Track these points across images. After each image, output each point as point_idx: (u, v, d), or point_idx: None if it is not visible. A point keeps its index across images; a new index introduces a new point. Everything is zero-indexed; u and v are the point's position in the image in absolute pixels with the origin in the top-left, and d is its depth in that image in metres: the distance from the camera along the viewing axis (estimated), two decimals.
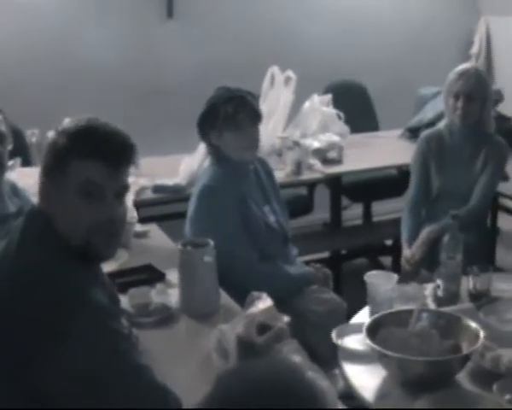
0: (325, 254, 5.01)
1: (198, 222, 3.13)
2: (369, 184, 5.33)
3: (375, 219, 5.78)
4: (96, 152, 1.76)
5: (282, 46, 5.93)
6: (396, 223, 4.07)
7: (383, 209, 5.74)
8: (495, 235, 5.21)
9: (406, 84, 6.33)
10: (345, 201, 5.47)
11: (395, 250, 4.51)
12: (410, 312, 2.38)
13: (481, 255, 3.71)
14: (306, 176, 4.46)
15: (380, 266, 5.31)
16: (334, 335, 2.52)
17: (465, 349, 2.25)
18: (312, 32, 6.18)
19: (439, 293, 2.74)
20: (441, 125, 3.98)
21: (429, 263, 3.53)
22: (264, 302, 2.08)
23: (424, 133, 4.02)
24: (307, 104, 4.98)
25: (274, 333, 1.98)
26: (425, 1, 6.88)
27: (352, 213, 5.91)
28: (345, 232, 5.26)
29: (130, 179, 1.88)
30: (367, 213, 5.78)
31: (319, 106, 4.97)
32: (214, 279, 2.65)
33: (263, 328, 1.99)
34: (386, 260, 5.28)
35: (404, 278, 3.09)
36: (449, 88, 3.85)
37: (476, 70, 3.95)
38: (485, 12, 7.24)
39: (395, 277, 2.67)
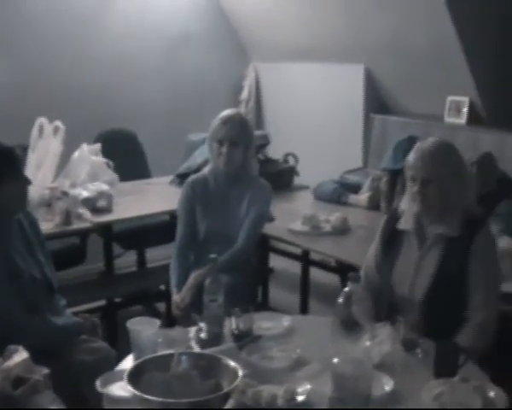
0: (102, 303, 4.99)
1: None
2: (141, 231, 5.36)
3: (151, 265, 5.81)
4: None
5: (50, 96, 5.88)
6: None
7: (158, 255, 5.77)
8: (267, 275, 5.39)
9: (177, 131, 6.46)
10: (119, 248, 5.48)
11: (170, 295, 4.56)
12: (171, 355, 2.41)
13: (248, 296, 3.84)
14: (76, 226, 4.42)
15: (156, 312, 5.35)
16: (98, 383, 2.50)
17: (226, 388, 2.30)
18: (82, 81, 6.16)
19: (203, 335, 2.79)
20: (206, 170, 4.07)
21: (200, 306, 3.59)
22: (19, 355, 2.05)
23: (189, 179, 4.10)
24: (77, 154, 4.95)
25: (30, 385, 1.95)
26: (194, 48, 7.02)
27: (128, 260, 5.92)
28: (119, 280, 5.24)
29: None
30: (141, 260, 5.81)
31: (88, 155, 4.95)
32: None
33: (19, 381, 1.96)
34: (162, 305, 5.32)
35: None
36: (213, 134, 3.94)
37: (240, 116, 4.08)
38: (254, 58, 7.52)
39: (157, 322, 2.70)
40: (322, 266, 5.53)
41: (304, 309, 5.12)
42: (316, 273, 5.56)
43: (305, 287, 5.29)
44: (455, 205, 2.99)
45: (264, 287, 5.26)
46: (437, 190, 2.95)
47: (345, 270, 3.26)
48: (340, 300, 2.49)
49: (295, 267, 5.53)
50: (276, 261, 6.06)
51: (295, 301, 5.29)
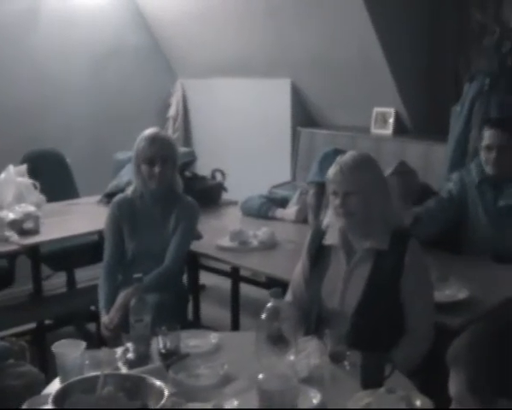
0: (32, 326, 4.93)
1: None
2: (70, 252, 5.32)
3: (80, 285, 5.77)
4: None
5: None
6: None
7: (88, 275, 5.73)
8: (197, 293, 5.39)
9: (105, 150, 6.44)
10: (48, 270, 5.43)
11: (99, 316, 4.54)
12: (97, 377, 2.40)
13: (177, 314, 3.83)
14: (3, 248, 4.37)
15: (87, 333, 5.32)
16: (25, 407, 2.48)
17: (152, 407, 2.30)
18: (5, 102, 6.10)
19: (130, 355, 2.79)
20: (129, 191, 4.07)
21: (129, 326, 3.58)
22: None
23: (115, 198, 4.10)
24: (3, 176, 4.90)
25: None
26: (121, 65, 7.01)
27: (57, 281, 5.87)
28: (48, 302, 5.19)
29: None
30: (70, 281, 5.77)
31: (15, 177, 4.91)
32: None
33: None
34: (94, 326, 5.27)
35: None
36: (142, 154, 3.94)
37: (165, 134, 4.13)
38: (181, 75, 7.53)
39: (83, 344, 2.68)
40: (253, 281, 5.56)
41: (235, 325, 5.13)
42: (247, 289, 5.58)
43: (235, 303, 5.31)
44: (378, 216, 3.03)
45: (195, 304, 5.25)
46: (359, 201, 2.99)
47: (275, 285, 3.28)
48: (264, 315, 2.51)
49: (227, 284, 5.54)
50: (208, 278, 6.07)
51: (227, 317, 5.30)
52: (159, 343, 2.85)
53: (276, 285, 3.16)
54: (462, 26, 5.93)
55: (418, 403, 2.41)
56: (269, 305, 2.53)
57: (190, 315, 5.01)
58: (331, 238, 3.14)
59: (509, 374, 1.69)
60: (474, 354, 1.76)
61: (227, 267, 5.34)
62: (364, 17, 5.44)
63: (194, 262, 5.16)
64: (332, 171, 3.06)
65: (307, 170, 5.47)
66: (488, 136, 4.13)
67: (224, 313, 5.44)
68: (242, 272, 5.40)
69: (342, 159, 3.06)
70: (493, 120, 4.45)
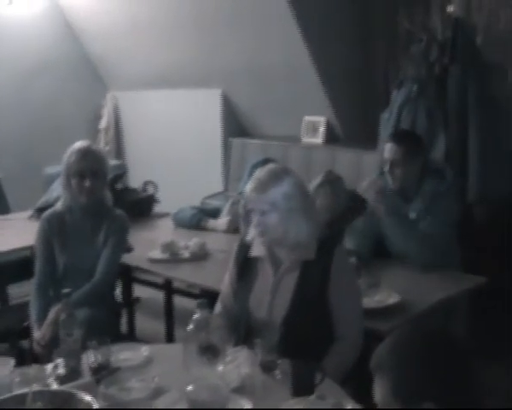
0: None
1: None
2: (2, 268, 5.24)
3: (13, 302, 5.69)
4: None
5: None
6: None
7: (21, 292, 5.65)
8: (131, 306, 5.37)
9: (35, 164, 6.37)
10: None
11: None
12: (26, 394, 2.39)
13: (110, 328, 3.82)
14: None
15: (21, 350, 5.23)
16: None
17: None
18: None
19: (60, 371, 2.77)
20: (58, 205, 4.05)
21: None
22: None
23: (45, 213, 4.07)
24: None
25: None
26: (50, 79, 6.97)
27: None
28: None
29: None
30: (2, 297, 5.68)
31: None
32: None
33: None
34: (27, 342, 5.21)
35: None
36: (73, 168, 3.92)
37: (95, 147, 4.11)
38: (112, 87, 7.51)
39: (12, 361, 2.66)
40: (187, 293, 5.55)
41: (169, 338, 5.12)
42: (183, 301, 5.57)
43: (169, 315, 5.30)
44: (301, 228, 3.01)
45: (129, 318, 5.24)
46: (275, 219, 2.97)
47: (209, 296, 3.30)
48: (191, 327, 2.53)
49: (161, 296, 5.53)
50: (143, 291, 6.04)
51: (162, 329, 5.29)
52: (89, 358, 2.84)
53: (210, 296, 3.18)
54: (392, 35, 6.05)
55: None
56: (195, 316, 2.55)
57: (125, 329, 4.99)
58: (257, 251, 3.15)
59: (433, 377, 1.73)
60: (397, 359, 1.79)
61: (161, 280, 5.33)
62: (293, 27, 5.51)
63: (127, 275, 5.14)
64: (248, 188, 3.04)
65: (239, 180, 5.52)
66: (386, 149, 4.21)
67: (159, 326, 5.42)
68: (177, 284, 5.38)
69: (258, 175, 3.03)
70: (393, 134, 4.55)
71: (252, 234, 3.15)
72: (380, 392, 1.80)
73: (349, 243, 4.07)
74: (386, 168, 4.18)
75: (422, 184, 4.15)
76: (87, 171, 3.89)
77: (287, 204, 2.98)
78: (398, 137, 4.36)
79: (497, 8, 5.71)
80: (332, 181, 4.38)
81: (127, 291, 5.26)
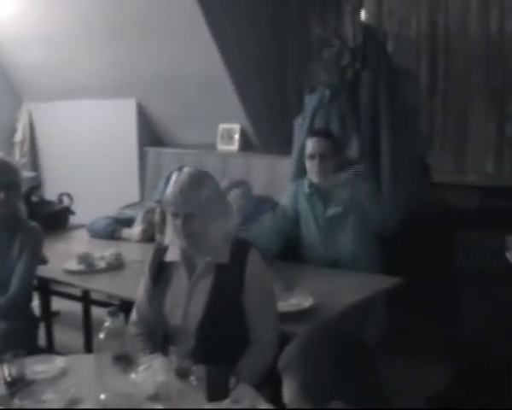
0: None
1: None
2: None
3: None
4: None
5: None
6: None
7: None
8: (49, 318, 5.31)
9: None
10: None
11: None
12: None
13: (26, 341, 3.77)
14: None
15: None
16: None
17: None
18: None
19: None
20: None
21: None
22: None
23: None
24: None
25: None
26: None
27: None
28: None
29: None
30: None
31: None
32: None
33: None
34: None
35: None
36: None
37: (6, 159, 4.09)
38: (27, 99, 7.42)
39: None
40: (106, 304, 5.51)
41: (88, 349, 5.08)
42: (102, 312, 5.51)
43: (87, 327, 5.26)
44: (218, 232, 3.05)
45: (47, 330, 5.19)
46: (200, 221, 3.00)
47: (128, 306, 3.30)
48: (101, 335, 2.52)
49: (80, 308, 5.49)
50: (62, 303, 5.98)
51: (82, 341, 5.25)
52: (4, 371, 2.81)
53: (128, 306, 3.18)
54: (304, 41, 6.13)
55: None
56: (106, 324, 2.55)
57: (44, 342, 4.94)
58: (172, 255, 3.16)
59: (342, 376, 1.76)
60: (304, 360, 1.82)
61: (79, 292, 5.29)
62: (206, 34, 5.53)
63: (44, 288, 5.09)
64: (171, 191, 3.06)
65: (155, 189, 5.52)
66: (311, 145, 4.30)
67: (79, 338, 5.36)
68: (97, 296, 5.35)
69: (180, 179, 3.06)
70: (315, 130, 4.64)
71: (169, 238, 3.16)
72: (288, 392, 1.81)
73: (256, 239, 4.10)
74: (311, 164, 4.26)
75: (341, 183, 4.26)
76: (0, 183, 3.85)
77: (210, 207, 3.01)
78: (322, 131, 4.47)
79: (407, 15, 5.84)
80: (237, 184, 4.45)
81: (45, 304, 5.20)
